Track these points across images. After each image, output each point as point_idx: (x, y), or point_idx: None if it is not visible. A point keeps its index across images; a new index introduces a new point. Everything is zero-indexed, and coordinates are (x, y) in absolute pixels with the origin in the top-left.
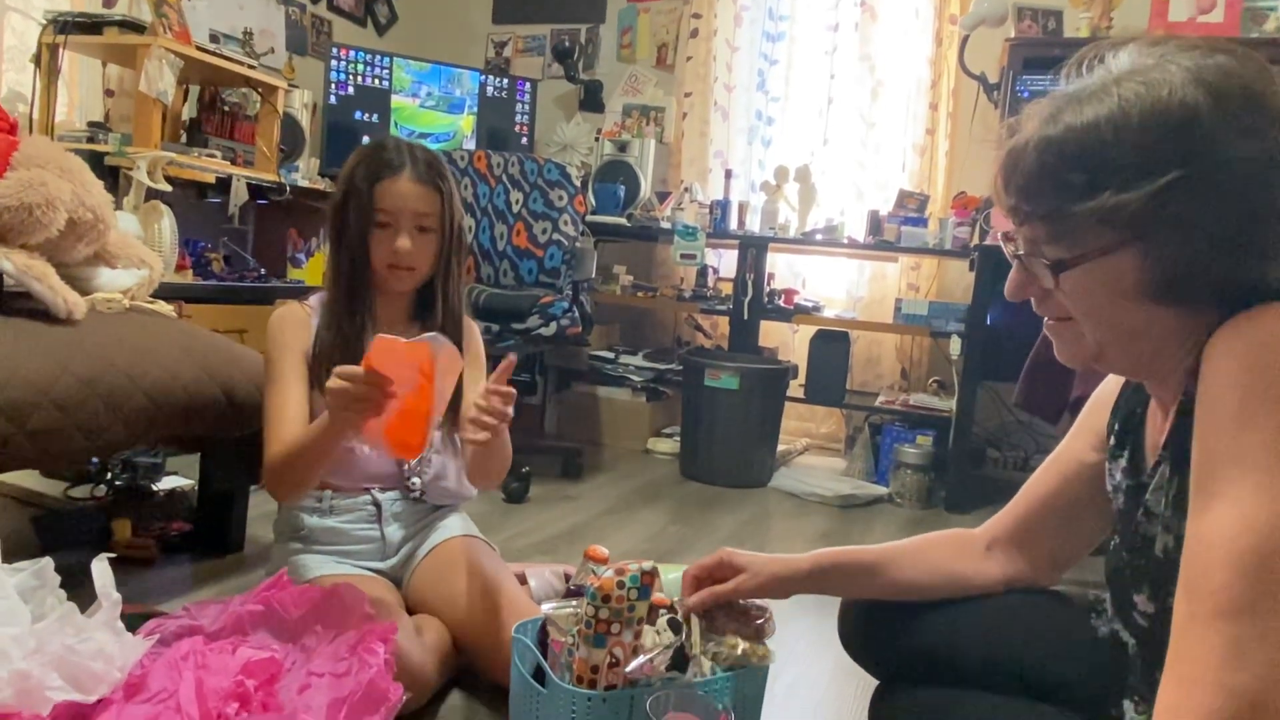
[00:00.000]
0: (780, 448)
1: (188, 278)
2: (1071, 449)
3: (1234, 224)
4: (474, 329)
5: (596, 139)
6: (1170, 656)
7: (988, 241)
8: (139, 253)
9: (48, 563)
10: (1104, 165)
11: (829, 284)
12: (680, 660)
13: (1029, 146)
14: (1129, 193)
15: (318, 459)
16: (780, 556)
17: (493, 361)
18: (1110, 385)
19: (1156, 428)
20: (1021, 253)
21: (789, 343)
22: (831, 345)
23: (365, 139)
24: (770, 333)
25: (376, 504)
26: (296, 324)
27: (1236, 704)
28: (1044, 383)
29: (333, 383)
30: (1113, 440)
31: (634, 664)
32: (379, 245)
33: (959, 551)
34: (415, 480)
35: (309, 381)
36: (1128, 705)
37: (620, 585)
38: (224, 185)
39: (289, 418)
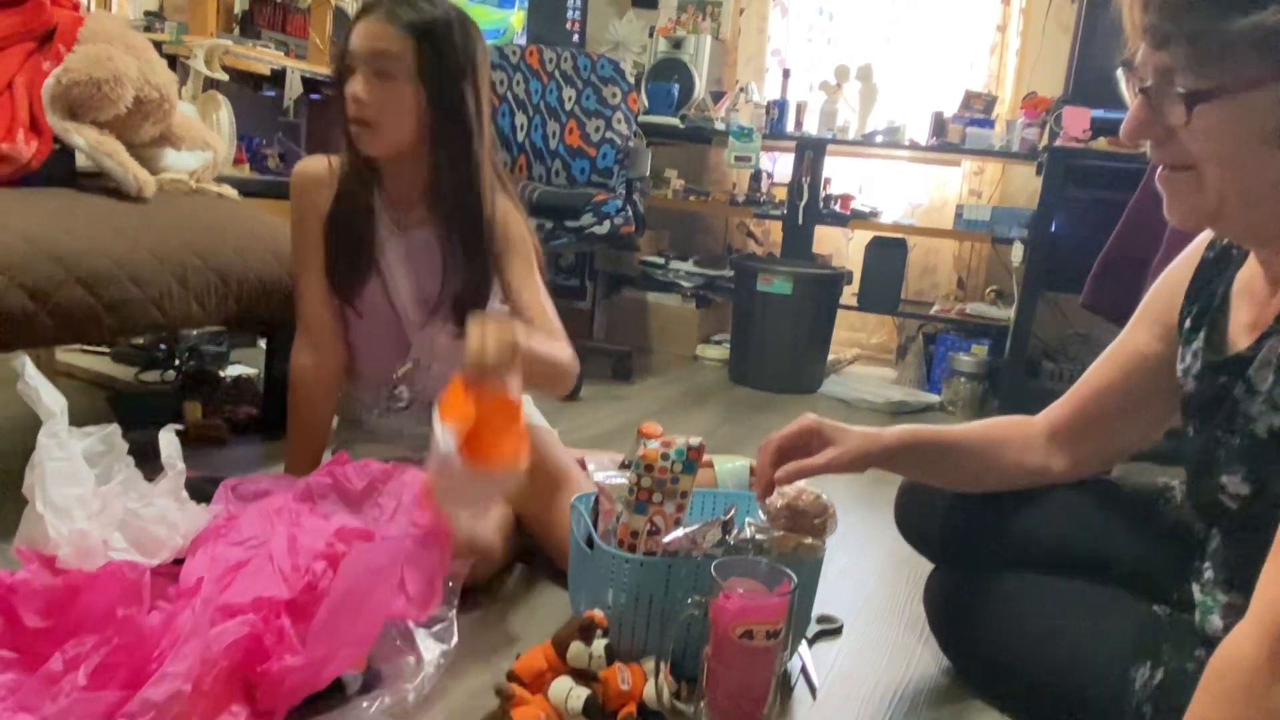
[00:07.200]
0: (829, 358)
1: (244, 171)
2: (1132, 341)
3: None
4: (514, 216)
5: (650, 36)
6: (1277, 546)
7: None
8: (203, 135)
9: (115, 429)
10: None
11: (887, 189)
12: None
13: None
14: None
15: None
16: (866, 431)
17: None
18: (1176, 274)
19: (1256, 303)
20: (1149, 84)
21: (843, 250)
22: (888, 252)
23: None
24: (824, 239)
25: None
26: (316, 184)
27: None
28: (1116, 282)
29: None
30: (1188, 324)
31: (672, 535)
32: (348, 98)
33: (1026, 445)
34: (402, 389)
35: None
36: (1195, 588)
37: (664, 457)
38: (277, 79)
39: (309, 310)
